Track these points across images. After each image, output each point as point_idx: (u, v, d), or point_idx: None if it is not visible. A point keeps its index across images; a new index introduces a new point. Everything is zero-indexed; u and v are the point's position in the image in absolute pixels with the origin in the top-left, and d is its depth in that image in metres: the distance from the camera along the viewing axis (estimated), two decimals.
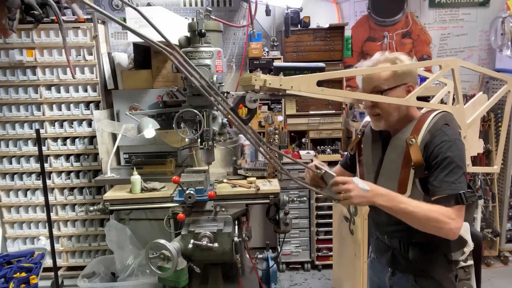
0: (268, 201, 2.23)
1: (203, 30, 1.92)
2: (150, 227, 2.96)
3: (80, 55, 3.08)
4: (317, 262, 3.46)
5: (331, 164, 3.36)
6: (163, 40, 1.01)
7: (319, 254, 3.45)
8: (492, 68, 3.76)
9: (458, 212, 1.26)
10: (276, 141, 2.59)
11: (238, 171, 2.51)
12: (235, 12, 3.68)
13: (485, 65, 3.77)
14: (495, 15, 3.72)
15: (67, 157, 3.24)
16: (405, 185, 1.36)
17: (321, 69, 2.57)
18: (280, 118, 3.40)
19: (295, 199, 2.26)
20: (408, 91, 1.40)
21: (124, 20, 2.92)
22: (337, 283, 2.90)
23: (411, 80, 1.40)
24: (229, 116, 1.26)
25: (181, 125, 2.07)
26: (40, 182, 3.07)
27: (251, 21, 3.00)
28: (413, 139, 1.33)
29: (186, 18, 3.38)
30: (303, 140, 3.54)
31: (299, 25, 3.47)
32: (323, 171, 1.39)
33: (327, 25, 3.44)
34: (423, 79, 1.67)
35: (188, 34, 2.08)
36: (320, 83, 1.44)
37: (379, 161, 1.48)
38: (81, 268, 3.00)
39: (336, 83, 3.41)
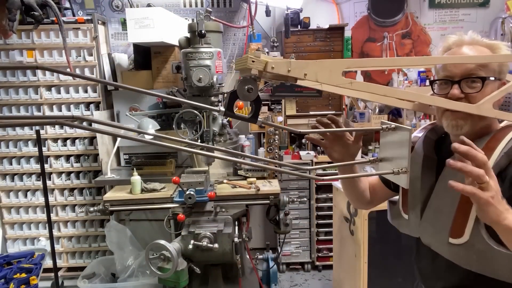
0: (268, 201, 2.23)
1: (203, 31, 1.92)
2: (150, 227, 2.96)
3: (80, 56, 3.09)
4: (317, 263, 3.46)
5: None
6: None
7: (319, 254, 3.45)
8: None
9: None
10: (276, 141, 2.59)
11: (238, 171, 2.51)
12: (235, 12, 3.69)
13: None
14: (495, 16, 3.72)
15: (67, 158, 3.24)
16: (462, 227, 0.98)
17: None
18: (280, 118, 3.41)
19: (295, 199, 2.26)
20: None
21: (124, 21, 2.93)
22: (337, 284, 2.90)
23: (504, 77, 1.06)
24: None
25: (181, 126, 2.07)
26: (40, 183, 3.07)
27: (251, 22, 3.00)
28: None
29: (186, 19, 3.38)
30: (303, 140, 3.54)
31: (299, 26, 3.47)
32: None
33: (327, 26, 3.44)
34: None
35: (188, 35, 2.09)
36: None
37: (429, 188, 1.11)
38: (81, 269, 3.00)
39: None
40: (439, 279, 1.13)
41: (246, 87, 0.93)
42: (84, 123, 0.65)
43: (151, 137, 2.61)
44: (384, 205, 1.38)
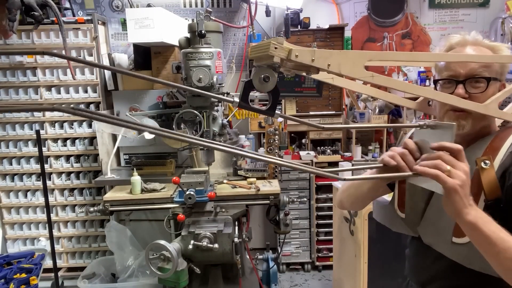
0: (268, 202, 2.23)
1: (203, 31, 1.92)
2: (150, 228, 2.96)
3: (80, 56, 3.08)
4: (317, 263, 3.46)
5: (332, 165, 3.36)
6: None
7: (319, 255, 3.45)
8: None
9: None
10: (276, 142, 2.59)
11: (238, 172, 2.51)
12: (235, 13, 3.69)
13: None
14: (495, 16, 3.72)
15: (67, 158, 3.23)
16: None
17: None
18: (280, 119, 3.41)
19: (295, 200, 2.26)
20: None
21: (124, 21, 2.93)
22: (337, 284, 2.90)
23: (504, 79, 1.07)
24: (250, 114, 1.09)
25: (181, 126, 2.07)
26: (40, 183, 3.07)
27: (251, 22, 3.01)
28: (487, 161, 0.96)
29: (186, 19, 3.39)
30: (303, 141, 3.54)
31: (299, 26, 3.47)
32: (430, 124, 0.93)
33: (327, 26, 3.44)
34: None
35: (188, 35, 2.09)
36: None
37: None
38: (81, 269, 3.00)
39: None
40: (436, 278, 1.12)
41: (262, 75, 0.86)
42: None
43: (151, 137, 2.61)
44: None
